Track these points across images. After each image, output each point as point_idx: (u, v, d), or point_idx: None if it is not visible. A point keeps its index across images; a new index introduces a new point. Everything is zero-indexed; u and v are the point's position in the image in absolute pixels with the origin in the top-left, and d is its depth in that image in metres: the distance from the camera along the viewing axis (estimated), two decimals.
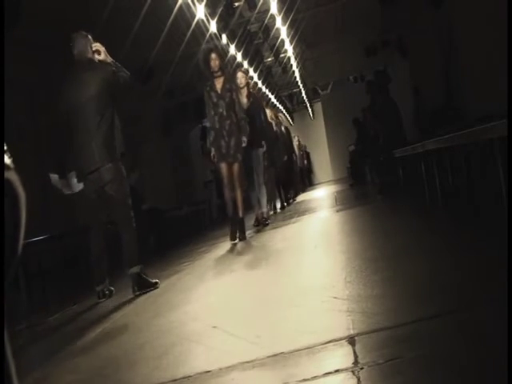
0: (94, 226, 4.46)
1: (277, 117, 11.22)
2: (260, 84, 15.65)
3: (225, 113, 6.32)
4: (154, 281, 4.30)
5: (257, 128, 7.20)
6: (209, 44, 6.96)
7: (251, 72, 13.63)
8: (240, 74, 7.51)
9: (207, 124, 6.48)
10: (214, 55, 6.33)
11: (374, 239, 4.28)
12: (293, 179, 13.30)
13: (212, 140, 6.42)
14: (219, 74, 6.36)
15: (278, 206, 10.86)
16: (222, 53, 6.73)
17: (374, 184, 11.77)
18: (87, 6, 7.26)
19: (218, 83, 6.34)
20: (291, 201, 12.67)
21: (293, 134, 15.27)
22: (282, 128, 11.80)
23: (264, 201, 7.48)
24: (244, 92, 7.43)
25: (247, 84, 7.64)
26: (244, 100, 7.30)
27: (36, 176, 7.31)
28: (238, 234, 6.23)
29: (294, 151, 13.52)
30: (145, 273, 4.30)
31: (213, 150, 6.41)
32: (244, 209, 6.52)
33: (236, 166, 6.39)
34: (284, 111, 22.42)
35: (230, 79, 6.61)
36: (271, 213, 9.45)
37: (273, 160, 9.17)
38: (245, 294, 3.32)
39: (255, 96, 8.07)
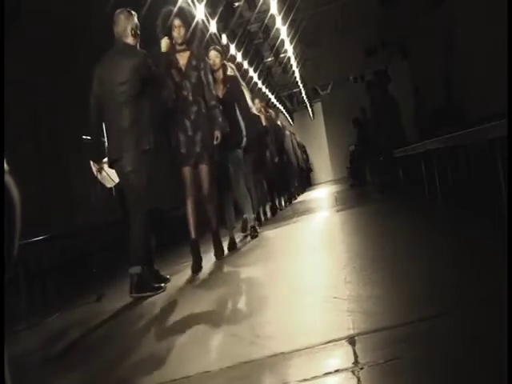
0: (134, 215, 4.12)
1: (266, 110, 9.91)
2: (260, 84, 15.65)
3: (190, 97, 4.82)
4: (157, 285, 4.08)
5: (233, 122, 5.63)
6: (170, 7, 5.02)
7: (251, 72, 13.61)
8: (213, 54, 5.84)
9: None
10: (177, 22, 4.82)
11: (375, 239, 4.28)
12: (287, 181, 12.08)
13: (170, 133, 4.91)
14: (184, 47, 4.88)
15: (271, 210, 9.43)
16: (189, 19, 4.97)
17: (374, 184, 11.78)
18: (88, 6, 7.27)
19: (182, 59, 4.87)
20: (287, 204, 11.62)
21: (288, 132, 13.67)
22: (273, 123, 10.26)
23: (249, 209, 6.18)
24: (219, 76, 5.84)
25: (223, 66, 5.95)
26: (219, 86, 5.76)
27: (36, 176, 7.30)
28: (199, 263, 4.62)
29: (287, 150, 12.09)
30: (147, 275, 4.07)
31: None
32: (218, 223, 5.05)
33: (203, 170, 4.79)
34: (284, 111, 22.44)
35: (199, 55, 4.97)
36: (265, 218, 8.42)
37: (261, 161, 7.87)
38: (244, 293, 3.32)
39: (233, 81, 6.11)
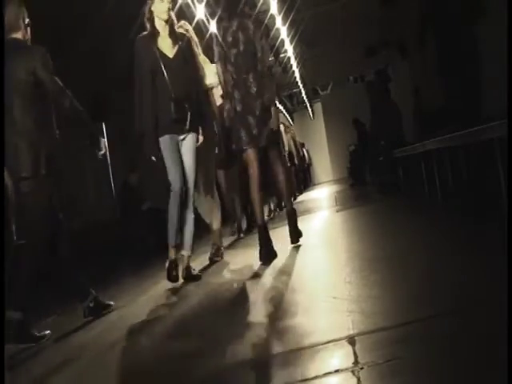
0: (27, 243, 3.17)
1: None
2: None
3: (244, 67, 4.18)
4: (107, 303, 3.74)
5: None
6: None
7: None
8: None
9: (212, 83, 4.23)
10: None
11: (374, 239, 4.28)
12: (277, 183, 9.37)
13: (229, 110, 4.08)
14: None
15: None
16: None
17: (374, 184, 11.78)
18: (87, 7, 7.27)
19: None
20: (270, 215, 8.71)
21: (286, 123, 11.70)
22: None
23: (215, 221, 5.00)
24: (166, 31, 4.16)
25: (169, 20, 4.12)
26: (172, 49, 4.12)
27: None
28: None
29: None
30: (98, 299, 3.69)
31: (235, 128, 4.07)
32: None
33: (275, 153, 4.38)
34: (284, 111, 22.44)
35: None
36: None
37: (231, 154, 5.26)
38: (244, 293, 3.31)
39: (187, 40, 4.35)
